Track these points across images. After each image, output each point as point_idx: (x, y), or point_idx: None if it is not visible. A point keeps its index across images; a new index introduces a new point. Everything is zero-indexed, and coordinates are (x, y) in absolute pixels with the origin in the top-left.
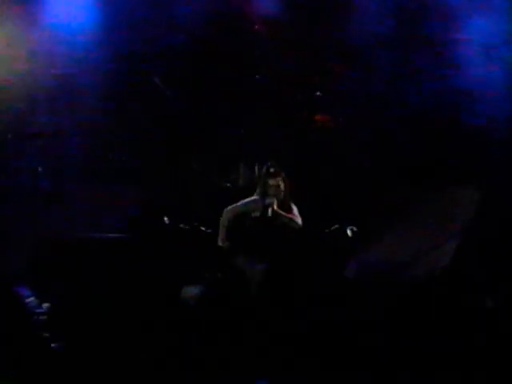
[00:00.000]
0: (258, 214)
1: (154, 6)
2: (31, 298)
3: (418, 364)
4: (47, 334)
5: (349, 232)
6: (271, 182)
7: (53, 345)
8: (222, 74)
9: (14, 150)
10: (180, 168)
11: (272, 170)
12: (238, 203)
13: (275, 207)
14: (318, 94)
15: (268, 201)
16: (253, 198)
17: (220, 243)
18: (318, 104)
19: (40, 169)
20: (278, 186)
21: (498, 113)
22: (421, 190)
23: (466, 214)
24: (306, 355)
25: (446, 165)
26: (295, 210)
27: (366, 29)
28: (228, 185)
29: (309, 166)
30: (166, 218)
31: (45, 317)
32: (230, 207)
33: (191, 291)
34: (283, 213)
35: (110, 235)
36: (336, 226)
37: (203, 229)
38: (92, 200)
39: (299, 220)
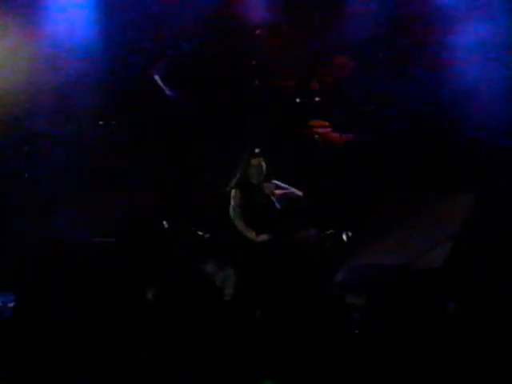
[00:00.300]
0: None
1: (156, 12)
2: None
3: (417, 365)
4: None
5: (344, 237)
6: (254, 161)
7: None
8: (222, 77)
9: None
10: (179, 171)
11: (256, 150)
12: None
13: (274, 191)
14: (317, 99)
15: (267, 190)
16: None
17: (256, 239)
18: (317, 108)
19: (26, 175)
20: (261, 165)
21: (497, 116)
22: (418, 192)
23: (463, 217)
24: (306, 356)
25: (444, 167)
26: (282, 184)
27: (365, 33)
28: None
29: (307, 170)
30: (164, 222)
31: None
32: (237, 223)
33: (193, 293)
34: (282, 191)
35: (108, 239)
36: (331, 230)
37: (201, 233)
38: (89, 204)
39: (295, 189)
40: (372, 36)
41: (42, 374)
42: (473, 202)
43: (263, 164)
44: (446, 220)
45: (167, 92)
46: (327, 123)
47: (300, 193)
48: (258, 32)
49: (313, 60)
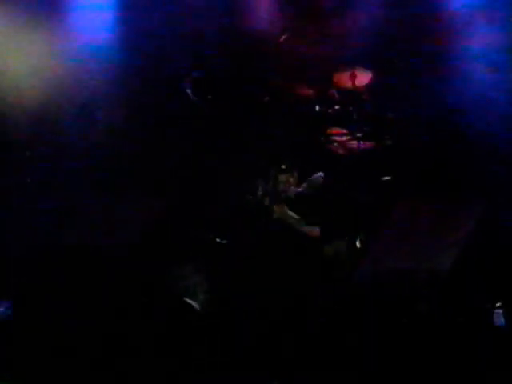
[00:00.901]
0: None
1: (180, 19)
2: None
3: (420, 367)
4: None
5: (357, 243)
6: (281, 177)
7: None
8: (243, 87)
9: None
10: (196, 178)
11: (283, 166)
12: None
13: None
14: (337, 107)
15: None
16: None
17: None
18: (336, 117)
19: (29, 180)
20: (288, 181)
21: (501, 125)
22: (427, 198)
23: (471, 223)
24: (312, 357)
25: (453, 173)
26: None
27: (383, 40)
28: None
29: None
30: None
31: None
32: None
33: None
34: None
35: (122, 244)
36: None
37: (219, 240)
38: (108, 209)
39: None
40: (390, 43)
41: (41, 376)
42: (482, 208)
43: (291, 179)
44: (454, 225)
45: (198, 104)
46: (346, 131)
47: (320, 173)
48: (279, 41)
49: (332, 68)
